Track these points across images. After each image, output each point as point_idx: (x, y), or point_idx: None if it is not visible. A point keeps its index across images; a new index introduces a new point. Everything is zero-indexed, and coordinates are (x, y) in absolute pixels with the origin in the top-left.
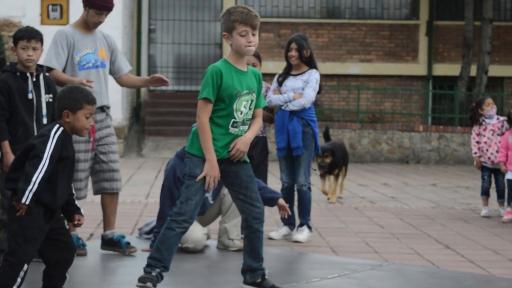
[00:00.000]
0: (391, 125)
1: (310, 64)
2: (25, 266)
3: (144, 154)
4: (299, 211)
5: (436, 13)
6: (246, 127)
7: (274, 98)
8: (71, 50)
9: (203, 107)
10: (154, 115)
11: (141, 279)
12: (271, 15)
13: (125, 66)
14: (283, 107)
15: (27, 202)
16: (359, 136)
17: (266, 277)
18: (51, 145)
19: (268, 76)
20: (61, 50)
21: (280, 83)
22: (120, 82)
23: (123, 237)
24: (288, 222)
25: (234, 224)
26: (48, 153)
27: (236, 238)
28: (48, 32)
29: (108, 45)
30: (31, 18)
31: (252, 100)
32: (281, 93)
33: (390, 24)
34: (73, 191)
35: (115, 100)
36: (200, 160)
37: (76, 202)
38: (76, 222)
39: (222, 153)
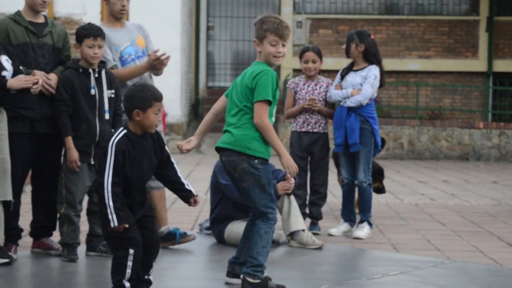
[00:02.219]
0: (450, 122)
1: (370, 59)
2: (131, 251)
3: (203, 151)
4: (359, 208)
5: (497, 9)
6: None
7: (334, 93)
8: (110, 48)
9: (266, 108)
10: None
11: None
12: (329, 12)
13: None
14: (341, 103)
15: (116, 224)
16: (418, 133)
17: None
18: (111, 156)
19: (327, 73)
20: (108, 49)
21: (342, 78)
22: None
23: (178, 229)
24: (349, 218)
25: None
26: (108, 166)
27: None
28: None
29: (142, 33)
30: (91, 15)
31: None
32: (342, 88)
33: (450, 20)
34: (179, 173)
35: (174, 97)
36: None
37: (187, 185)
38: (193, 205)
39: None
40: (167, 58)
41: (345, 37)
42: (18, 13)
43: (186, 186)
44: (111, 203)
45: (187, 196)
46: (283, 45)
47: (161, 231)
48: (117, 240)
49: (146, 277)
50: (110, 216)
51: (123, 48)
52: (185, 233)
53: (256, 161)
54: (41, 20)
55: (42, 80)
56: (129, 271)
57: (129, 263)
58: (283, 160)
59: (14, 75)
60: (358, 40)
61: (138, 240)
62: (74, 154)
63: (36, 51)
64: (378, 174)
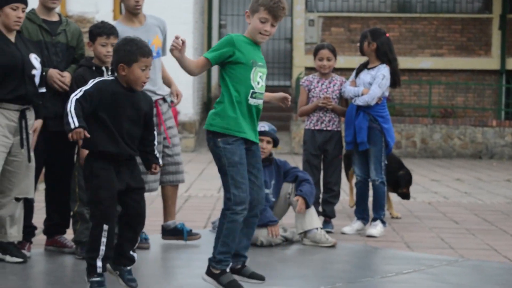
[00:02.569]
0: (463, 120)
1: (381, 58)
2: (106, 226)
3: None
4: (373, 206)
5: (510, 7)
6: (262, 101)
7: (348, 89)
8: None
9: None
10: None
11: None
12: (341, 10)
13: (164, 51)
14: (352, 101)
15: (77, 124)
16: (431, 131)
17: (246, 264)
18: (88, 85)
19: (339, 71)
20: None
21: (356, 75)
22: None
23: (184, 225)
24: (362, 216)
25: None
26: (81, 89)
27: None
28: None
29: (161, 31)
30: (103, 14)
31: (265, 74)
32: (356, 85)
33: (462, 18)
34: (155, 141)
35: (186, 95)
36: (228, 140)
37: (156, 152)
38: (152, 170)
39: (249, 135)
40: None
41: (358, 35)
42: (32, 11)
43: (156, 153)
44: (72, 109)
45: (151, 161)
46: (273, 25)
47: (168, 224)
48: (93, 208)
49: (131, 252)
50: (70, 119)
51: None
52: (191, 230)
53: (219, 139)
54: (55, 18)
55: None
56: (103, 248)
57: (103, 239)
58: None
59: (41, 75)
60: (370, 38)
61: (112, 214)
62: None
63: (49, 49)
64: (408, 182)
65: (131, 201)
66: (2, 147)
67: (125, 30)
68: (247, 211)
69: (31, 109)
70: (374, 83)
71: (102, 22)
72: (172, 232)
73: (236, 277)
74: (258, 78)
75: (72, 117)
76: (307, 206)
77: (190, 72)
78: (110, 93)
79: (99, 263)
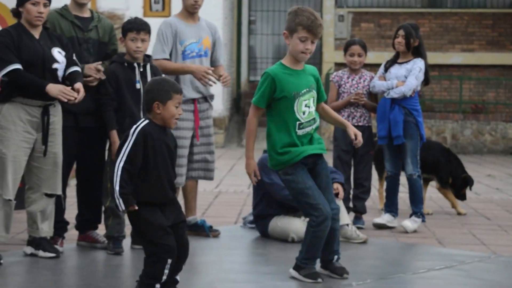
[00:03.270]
0: (494, 116)
1: (417, 54)
2: (169, 261)
3: (245, 145)
4: (410, 200)
5: None
6: (315, 124)
7: (377, 84)
8: (175, 40)
9: (253, 109)
10: None
11: (308, 276)
12: (371, 5)
13: (220, 59)
14: (385, 94)
15: (123, 208)
16: (462, 127)
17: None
18: (129, 143)
19: (369, 66)
20: (166, 40)
21: (386, 70)
22: None
23: (205, 221)
24: (390, 210)
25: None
26: (123, 152)
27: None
28: (150, 24)
29: (212, 35)
30: (134, 10)
31: (313, 98)
32: (385, 80)
33: (493, 13)
34: None
35: (215, 91)
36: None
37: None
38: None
39: (305, 151)
40: (214, 80)
41: (388, 30)
42: (65, 7)
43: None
44: (117, 188)
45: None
46: (312, 42)
47: (188, 220)
48: (154, 248)
49: (176, 277)
50: (117, 201)
51: (188, 44)
52: (211, 227)
53: (279, 172)
54: (87, 14)
55: (82, 94)
56: (165, 277)
57: (166, 271)
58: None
59: (67, 66)
60: (415, 34)
61: (174, 247)
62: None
63: (81, 45)
64: (469, 184)
65: (177, 236)
66: (25, 143)
67: (180, 24)
68: (331, 221)
69: (56, 105)
70: (410, 75)
71: (135, 18)
72: (193, 228)
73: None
74: (304, 108)
75: (118, 199)
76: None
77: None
78: (150, 139)
79: (157, 286)
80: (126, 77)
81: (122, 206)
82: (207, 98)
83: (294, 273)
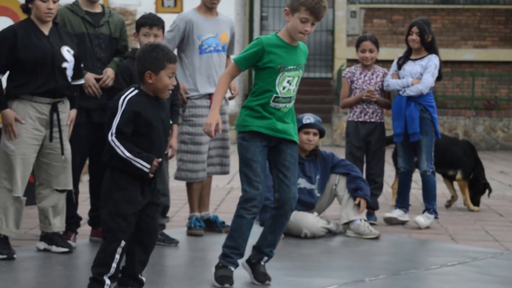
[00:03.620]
0: (507, 112)
1: (431, 49)
2: (122, 243)
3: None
4: (424, 197)
5: None
6: (290, 104)
7: (392, 82)
8: (191, 34)
9: (231, 66)
10: None
11: (219, 279)
12: (383, 1)
13: (231, 50)
14: (400, 92)
15: (149, 166)
16: (474, 124)
17: (263, 263)
18: (118, 115)
19: (381, 63)
20: (176, 33)
21: (399, 67)
22: None
23: (217, 217)
24: (401, 206)
25: (357, 210)
26: (116, 123)
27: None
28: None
29: (230, 30)
30: (146, 6)
31: (298, 77)
32: (399, 77)
33: (506, 9)
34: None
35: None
36: (244, 136)
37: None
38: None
39: (269, 131)
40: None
41: (400, 27)
42: (75, 3)
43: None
44: (128, 154)
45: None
46: (313, 24)
47: (202, 215)
48: (111, 222)
49: (140, 276)
50: (138, 165)
51: (205, 38)
52: (224, 222)
53: (239, 135)
54: (98, 9)
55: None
56: (114, 266)
57: (116, 256)
58: (208, 117)
59: (76, 67)
60: (428, 30)
61: (130, 230)
62: None
63: (92, 41)
64: (488, 191)
65: (146, 217)
66: (34, 140)
67: (198, 19)
68: (258, 209)
69: (65, 101)
70: (426, 72)
71: (150, 13)
72: (206, 223)
73: (248, 269)
74: (285, 83)
75: (136, 162)
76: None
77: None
78: (141, 109)
79: (107, 281)
80: None
81: (147, 166)
82: None
83: (213, 270)
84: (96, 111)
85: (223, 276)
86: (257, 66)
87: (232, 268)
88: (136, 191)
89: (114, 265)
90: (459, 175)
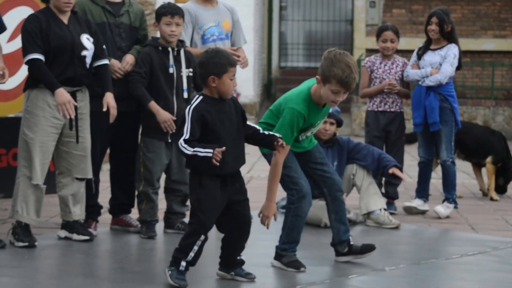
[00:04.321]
0: None
1: (450, 39)
2: (202, 237)
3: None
4: (443, 186)
5: None
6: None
7: (411, 73)
8: (195, 25)
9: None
10: (284, 91)
11: (291, 265)
12: None
13: (240, 40)
14: (420, 82)
15: (212, 151)
16: (494, 113)
17: (352, 243)
18: (187, 123)
19: (401, 52)
20: (185, 26)
21: (419, 57)
22: None
23: None
24: (421, 195)
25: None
26: (185, 131)
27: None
28: None
29: (232, 17)
30: None
31: (317, 127)
32: (419, 68)
33: None
34: (260, 129)
35: (246, 77)
36: None
37: (267, 132)
38: (279, 147)
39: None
40: (242, 64)
41: (420, 16)
42: None
43: (266, 132)
44: (191, 149)
45: (271, 141)
46: (344, 93)
47: None
48: (193, 219)
49: (238, 258)
50: (202, 155)
51: (207, 28)
52: None
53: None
54: None
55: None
56: (192, 255)
57: (195, 248)
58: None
59: (96, 57)
60: (448, 20)
61: (210, 226)
62: (165, 114)
63: (113, 31)
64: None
65: (237, 213)
66: (53, 128)
67: (197, 8)
68: (310, 203)
69: (83, 90)
70: (445, 62)
71: (169, 3)
72: None
73: (347, 258)
74: (309, 133)
75: (200, 152)
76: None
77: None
78: (206, 113)
79: (183, 263)
80: (160, 61)
81: (209, 151)
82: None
83: (276, 263)
84: (116, 100)
85: (294, 262)
86: None
87: (296, 254)
88: (215, 188)
89: (191, 254)
90: (489, 159)
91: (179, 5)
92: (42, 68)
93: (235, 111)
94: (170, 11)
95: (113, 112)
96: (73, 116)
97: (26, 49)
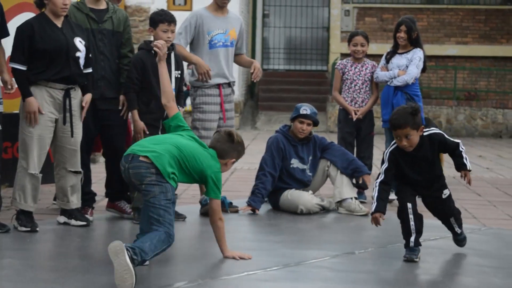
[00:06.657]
0: (485, 103)
1: (416, 44)
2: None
3: (258, 127)
4: None
5: None
6: None
7: (381, 74)
8: (201, 29)
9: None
10: (266, 92)
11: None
12: (374, 1)
13: (242, 49)
14: (388, 83)
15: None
16: (456, 112)
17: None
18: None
19: (372, 57)
20: (188, 28)
21: (387, 60)
22: (233, 60)
23: (225, 198)
24: None
25: (349, 189)
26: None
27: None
28: None
29: (239, 27)
30: (159, 4)
31: None
32: (387, 70)
33: (486, 9)
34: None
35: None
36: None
37: None
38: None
39: None
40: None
41: (390, 24)
42: (81, 0)
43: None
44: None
45: None
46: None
47: (206, 198)
48: None
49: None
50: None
51: (215, 34)
52: (231, 203)
53: None
54: (103, 6)
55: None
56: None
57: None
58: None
59: (86, 57)
60: (414, 27)
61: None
62: (140, 125)
63: (96, 36)
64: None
65: None
66: (49, 122)
67: (209, 16)
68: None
69: (76, 88)
70: (411, 64)
71: (163, 10)
72: None
73: None
74: None
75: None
76: (357, 186)
77: None
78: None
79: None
80: (153, 63)
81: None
82: (230, 84)
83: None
84: (99, 100)
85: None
86: None
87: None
88: None
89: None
90: None
91: (193, 11)
92: (21, 77)
93: None
94: (168, 19)
95: (86, 107)
96: (34, 126)
97: (12, 55)
